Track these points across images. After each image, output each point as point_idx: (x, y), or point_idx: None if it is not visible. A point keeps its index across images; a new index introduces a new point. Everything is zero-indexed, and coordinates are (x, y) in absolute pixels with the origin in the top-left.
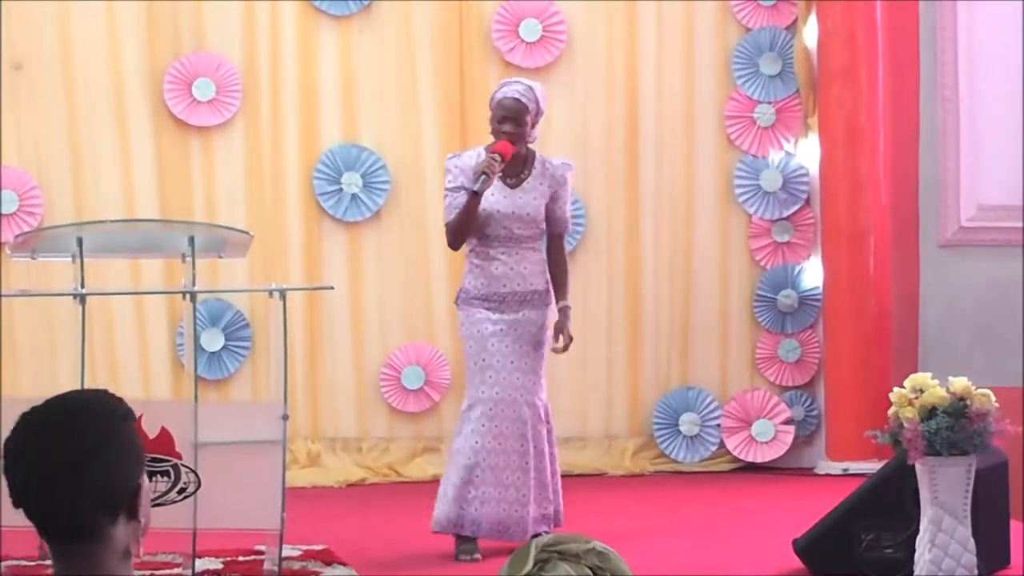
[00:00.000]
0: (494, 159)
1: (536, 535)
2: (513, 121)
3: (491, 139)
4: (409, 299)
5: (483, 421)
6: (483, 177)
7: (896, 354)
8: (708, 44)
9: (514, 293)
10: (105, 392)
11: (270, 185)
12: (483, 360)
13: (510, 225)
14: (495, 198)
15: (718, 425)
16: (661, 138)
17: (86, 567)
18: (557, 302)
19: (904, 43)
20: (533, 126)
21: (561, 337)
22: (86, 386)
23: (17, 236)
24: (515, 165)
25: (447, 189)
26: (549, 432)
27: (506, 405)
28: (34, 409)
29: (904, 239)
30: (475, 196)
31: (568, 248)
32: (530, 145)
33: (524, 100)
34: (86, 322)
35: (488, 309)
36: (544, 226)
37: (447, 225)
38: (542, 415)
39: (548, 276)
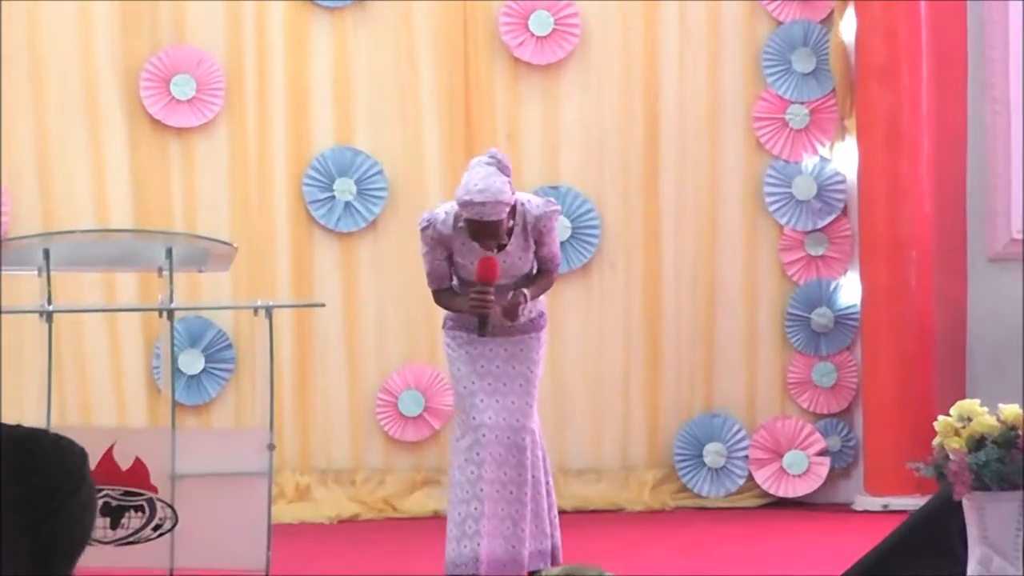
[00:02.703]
0: (486, 295)
1: (533, 572)
2: (491, 235)
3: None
4: (408, 317)
5: (477, 450)
6: (483, 321)
7: (941, 378)
8: (736, 38)
9: (503, 326)
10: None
11: (256, 192)
12: (473, 384)
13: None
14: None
15: (746, 456)
16: (683, 141)
17: None
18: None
19: (950, 39)
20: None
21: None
22: (55, 411)
23: None
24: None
25: (424, 253)
26: (544, 460)
27: (500, 431)
28: None
29: (949, 252)
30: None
31: (582, 261)
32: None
33: (495, 217)
34: (54, 342)
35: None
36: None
37: (432, 290)
38: (538, 440)
39: (540, 305)
